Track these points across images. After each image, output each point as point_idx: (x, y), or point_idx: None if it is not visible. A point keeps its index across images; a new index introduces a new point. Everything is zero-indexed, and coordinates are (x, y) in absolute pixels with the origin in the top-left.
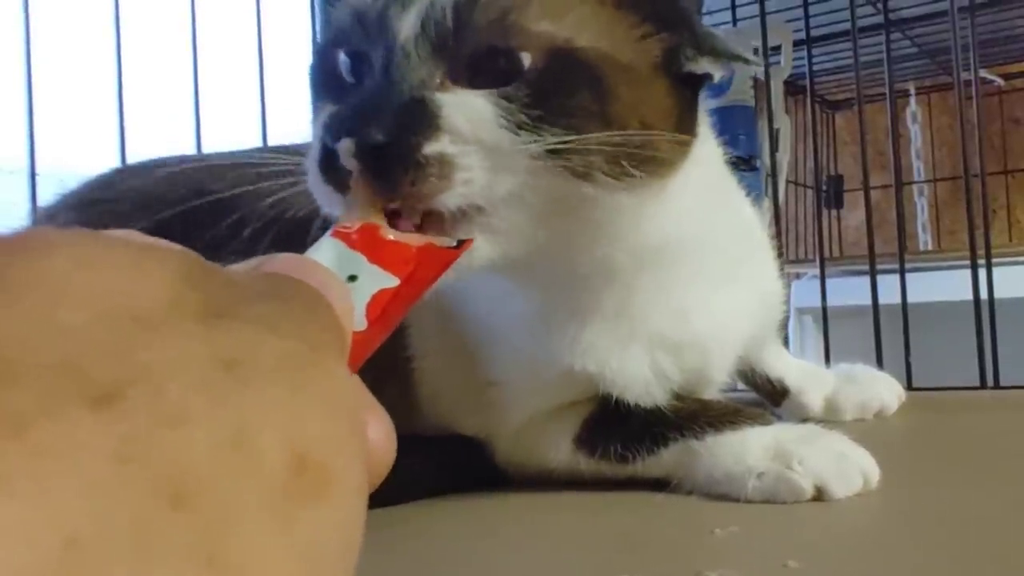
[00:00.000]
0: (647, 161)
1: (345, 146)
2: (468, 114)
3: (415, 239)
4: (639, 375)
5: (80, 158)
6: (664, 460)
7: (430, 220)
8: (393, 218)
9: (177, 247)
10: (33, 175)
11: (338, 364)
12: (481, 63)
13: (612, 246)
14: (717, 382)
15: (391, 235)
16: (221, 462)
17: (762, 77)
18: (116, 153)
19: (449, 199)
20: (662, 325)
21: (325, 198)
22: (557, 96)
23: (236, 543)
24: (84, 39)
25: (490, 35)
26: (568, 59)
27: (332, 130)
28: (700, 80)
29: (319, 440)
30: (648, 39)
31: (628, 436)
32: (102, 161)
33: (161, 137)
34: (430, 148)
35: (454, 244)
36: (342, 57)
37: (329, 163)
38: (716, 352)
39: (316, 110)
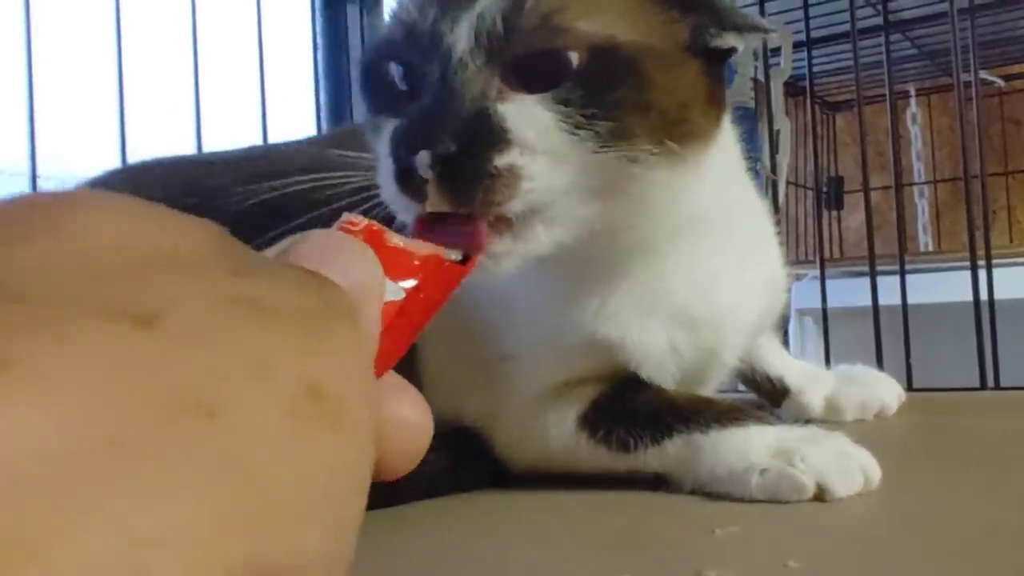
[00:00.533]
0: (686, 135)
1: (422, 158)
2: (532, 124)
3: (421, 248)
4: (656, 347)
5: (81, 160)
6: (666, 452)
7: (497, 222)
8: (466, 219)
9: (211, 222)
10: (34, 177)
11: (354, 328)
12: (531, 65)
13: (653, 219)
14: (725, 364)
15: (395, 240)
16: (247, 383)
17: (762, 79)
18: (117, 154)
19: (517, 205)
20: (684, 299)
21: (403, 208)
22: (605, 91)
23: (261, 455)
24: (85, 41)
25: (538, 38)
26: (610, 55)
27: (406, 143)
28: (725, 54)
29: (335, 378)
30: (675, 24)
31: (633, 421)
32: (103, 163)
33: (162, 138)
34: (501, 160)
35: (460, 259)
36: (394, 68)
37: (405, 175)
38: (729, 330)
39: (375, 122)
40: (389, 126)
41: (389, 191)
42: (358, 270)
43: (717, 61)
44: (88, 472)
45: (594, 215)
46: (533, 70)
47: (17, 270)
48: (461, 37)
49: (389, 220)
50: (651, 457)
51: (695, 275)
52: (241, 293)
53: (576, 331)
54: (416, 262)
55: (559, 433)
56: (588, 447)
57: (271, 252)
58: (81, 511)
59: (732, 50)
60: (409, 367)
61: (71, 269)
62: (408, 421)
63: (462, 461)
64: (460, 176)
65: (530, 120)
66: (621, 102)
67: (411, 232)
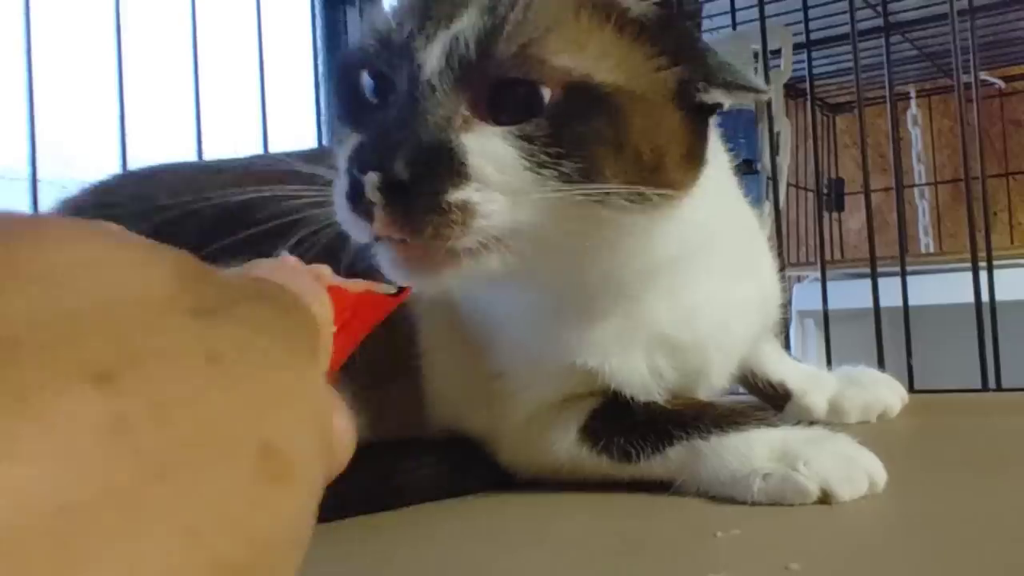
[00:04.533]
0: (660, 183)
1: (371, 179)
2: (492, 159)
3: (355, 286)
4: (637, 372)
5: (81, 165)
6: (668, 459)
7: (448, 252)
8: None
9: (175, 249)
10: (34, 182)
11: (311, 367)
12: (502, 94)
13: (622, 263)
14: (716, 385)
15: (333, 280)
16: (200, 442)
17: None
18: (117, 160)
19: (468, 241)
20: (665, 327)
21: (353, 226)
22: (575, 129)
23: (211, 516)
24: (84, 44)
25: (512, 67)
26: (586, 93)
27: (358, 161)
28: (711, 109)
29: (285, 435)
30: (661, 72)
31: (633, 431)
32: (103, 168)
33: (162, 143)
34: (455, 196)
35: (394, 291)
36: (365, 78)
37: (357, 194)
38: (715, 353)
39: (340, 132)
40: (352, 140)
41: (340, 209)
42: (315, 304)
43: (702, 115)
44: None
45: (559, 253)
46: (503, 100)
47: None
48: (432, 56)
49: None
50: (654, 465)
51: (677, 301)
52: (201, 344)
53: (558, 357)
54: (350, 299)
55: (562, 447)
56: (591, 458)
57: (232, 271)
58: None
59: (718, 106)
60: (411, 381)
61: (34, 320)
62: (343, 429)
63: (461, 464)
64: (411, 206)
65: (491, 155)
66: (593, 141)
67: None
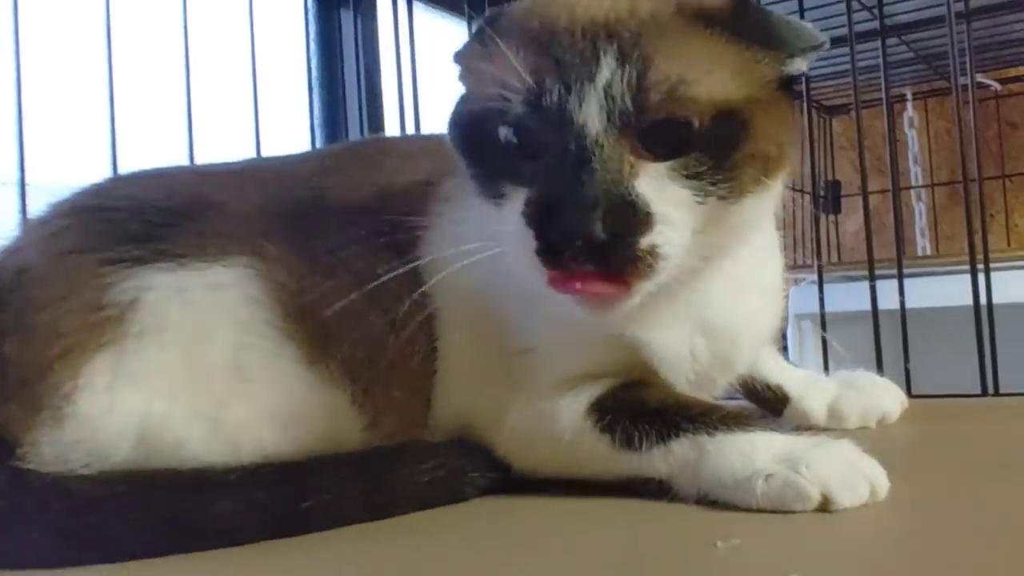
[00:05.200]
0: (780, 169)
1: (576, 248)
2: (670, 201)
3: None
4: (677, 352)
5: (71, 171)
6: (671, 453)
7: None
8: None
9: None
10: (23, 185)
11: None
12: (657, 132)
13: (733, 245)
14: (735, 373)
15: None
16: None
17: None
18: (107, 163)
19: (658, 279)
20: (712, 310)
21: (533, 275)
22: (728, 153)
23: None
24: (75, 49)
25: (664, 109)
26: (728, 117)
27: (556, 228)
28: (794, 79)
29: None
30: (762, 64)
31: (641, 416)
32: (93, 174)
33: (153, 148)
34: (645, 242)
35: None
36: (504, 131)
37: (550, 253)
38: (745, 340)
39: (486, 181)
40: (516, 194)
41: (524, 259)
42: None
43: (789, 86)
44: None
45: (695, 252)
46: (658, 137)
47: None
48: (592, 115)
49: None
50: (655, 457)
51: (724, 286)
52: None
53: (603, 327)
54: None
55: (568, 416)
56: (592, 435)
57: None
58: None
59: (801, 75)
60: (418, 374)
61: None
62: None
63: (456, 472)
64: (609, 260)
65: (668, 197)
66: (739, 160)
67: (550, 282)
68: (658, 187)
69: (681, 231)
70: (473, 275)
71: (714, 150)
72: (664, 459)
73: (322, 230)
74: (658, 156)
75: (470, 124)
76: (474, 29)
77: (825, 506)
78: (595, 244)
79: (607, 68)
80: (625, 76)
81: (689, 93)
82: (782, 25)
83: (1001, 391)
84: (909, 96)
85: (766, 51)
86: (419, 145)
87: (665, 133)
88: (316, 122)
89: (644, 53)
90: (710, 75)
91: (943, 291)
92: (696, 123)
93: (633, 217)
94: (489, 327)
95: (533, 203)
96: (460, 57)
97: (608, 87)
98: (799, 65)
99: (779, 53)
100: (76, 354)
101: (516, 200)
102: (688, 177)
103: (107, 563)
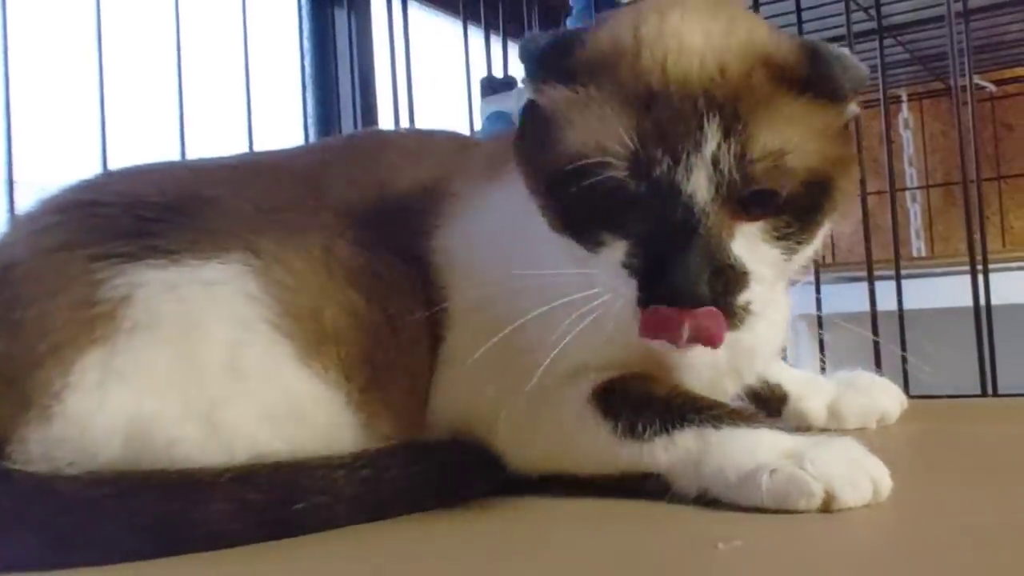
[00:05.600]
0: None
1: (682, 305)
2: (763, 260)
3: None
4: (700, 358)
5: (61, 169)
6: (674, 444)
7: None
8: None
9: None
10: (11, 182)
11: None
12: (754, 199)
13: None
14: (746, 383)
15: None
16: None
17: None
18: (97, 161)
19: (745, 328)
20: None
21: (634, 324)
22: (813, 216)
23: None
24: (65, 46)
25: (765, 180)
26: (816, 182)
27: (666, 290)
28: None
29: None
30: (834, 114)
31: (648, 406)
32: (82, 169)
33: (144, 146)
34: (740, 299)
35: None
36: (606, 186)
37: (649, 301)
38: (760, 354)
39: (583, 226)
40: (615, 244)
41: (625, 308)
42: None
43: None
44: None
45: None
46: (755, 202)
47: None
48: (700, 187)
49: None
50: (657, 447)
51: None
52: None
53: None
54: None
55: (572, 400)
56: (595, 420)
57: None
58: None
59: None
60: (416, 373)
61: None
62: None
63: (451, 473)
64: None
65: (761, 258)
66: (820, 219)
67: (641, 323)
68: (751, 247)
69: (768, 287)
70: (501, 277)
71: (802, 213)
72: (666, 450)
73: (319, 226)
74: (751, 217)
75: (564, 180)
76: (540, 53)
77: (828, 504)
78: (700, 305)
79: (712, 140)
80: (731, 148)
81: (788, 164)
82: (839, 68)
83: (997, 391)
84: (904, 97)
85: (834, 103)
86: (418, 140)
87: (761, 199)
88: (310, 120)
89: (746, 123)
90: (803, 143)
91: (938, 292)
92: (786, 190)
93: (732, 279)
94: (499, 313)
95: (640, 259)
96: (540, 94)
97: (715, 160)
98: (854, 109)
99: (843, 103)
100: (66, 351)
101: (615, 249)
102: (778, 237)
103: (93, 565)
